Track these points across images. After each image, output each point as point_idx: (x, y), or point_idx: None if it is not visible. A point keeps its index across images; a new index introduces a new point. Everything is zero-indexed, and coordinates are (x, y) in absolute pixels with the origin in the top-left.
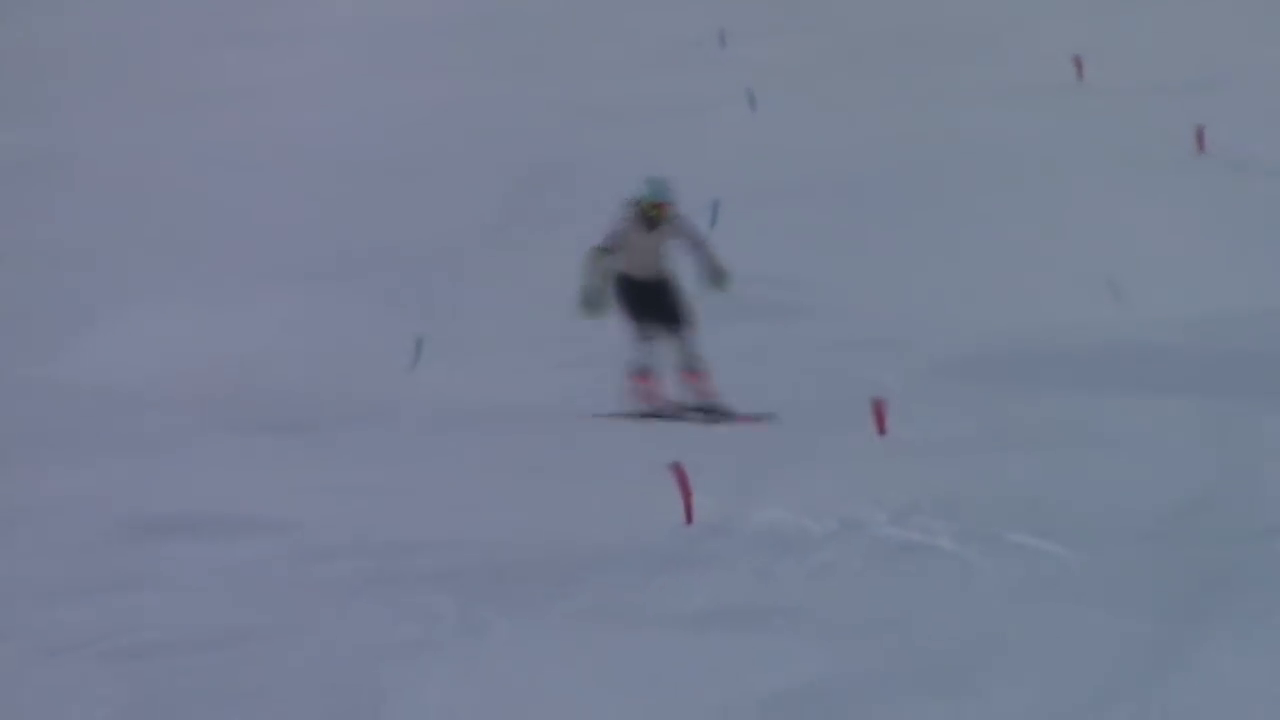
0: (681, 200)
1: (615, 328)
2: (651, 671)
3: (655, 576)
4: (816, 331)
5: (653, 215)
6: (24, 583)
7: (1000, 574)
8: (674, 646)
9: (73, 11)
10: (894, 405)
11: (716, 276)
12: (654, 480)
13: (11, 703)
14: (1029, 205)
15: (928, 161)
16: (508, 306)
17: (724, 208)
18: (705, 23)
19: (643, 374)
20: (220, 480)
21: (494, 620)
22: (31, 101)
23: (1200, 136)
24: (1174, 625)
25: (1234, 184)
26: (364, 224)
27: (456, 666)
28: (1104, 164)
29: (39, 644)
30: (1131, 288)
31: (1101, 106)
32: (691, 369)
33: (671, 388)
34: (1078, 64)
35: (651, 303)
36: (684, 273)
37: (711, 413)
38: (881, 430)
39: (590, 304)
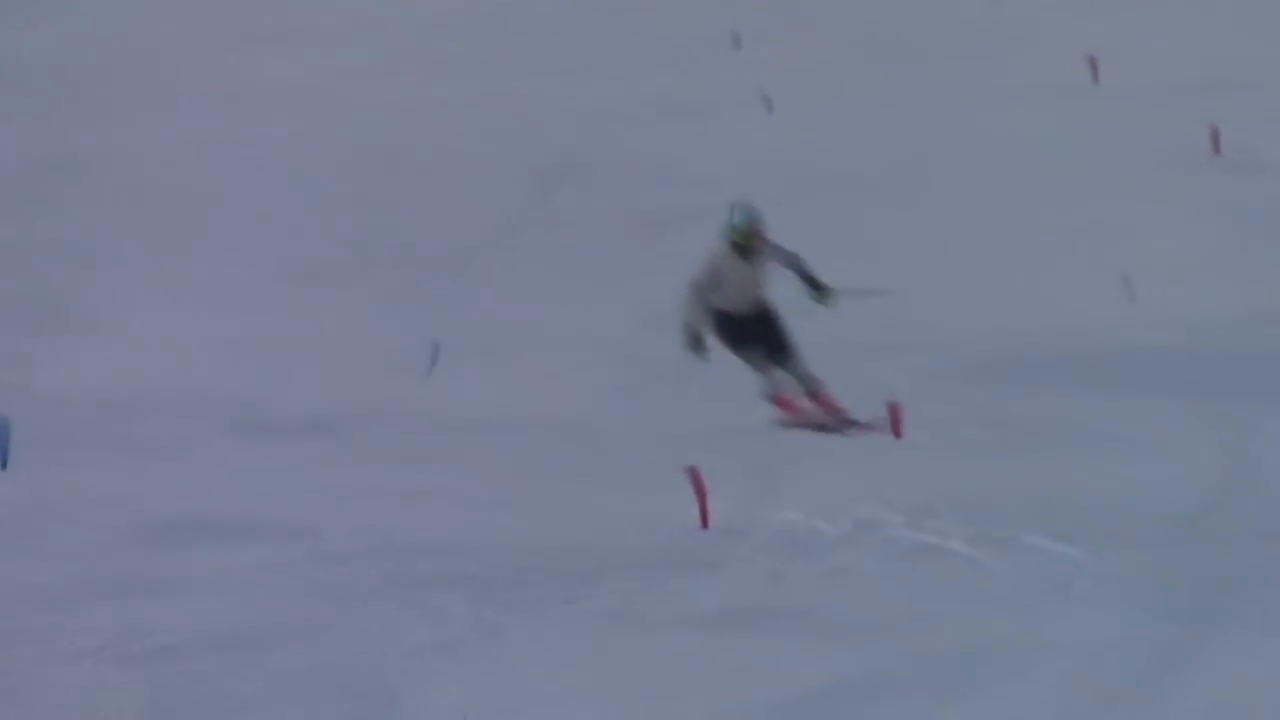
0: (695, 201)
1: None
2: (666, 673)
3: (670, 579)
4: (831, 332)
5: (746, 244)
6: (40, 587)
7: (1013, 576)
8: (689, 648)
9: (87, 14)
10: (908, 407)
11: (819, 293)
12: (669, 483)
13: (28, 706)
14: (1044, 206)
15: (942, 163)
16: (522, 308)
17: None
18: (719, 24)
19: (779, 395)
20: (235, 484)
21: (509, 622)
22: (46, 104)
23: (1215, 138)
24: (1186, 627)
25: (1249, 186)
26: (377, 225)
27: (472, 668)
28: (1118, 165)
29: (56, 648)
30: (1146, 290)
31: (1116, 107)
32: (812, 391)
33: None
34: (1093, 64)
35: (755, 335)
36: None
37: (846, 424)
38: (897, 433)
39: (693, 344)
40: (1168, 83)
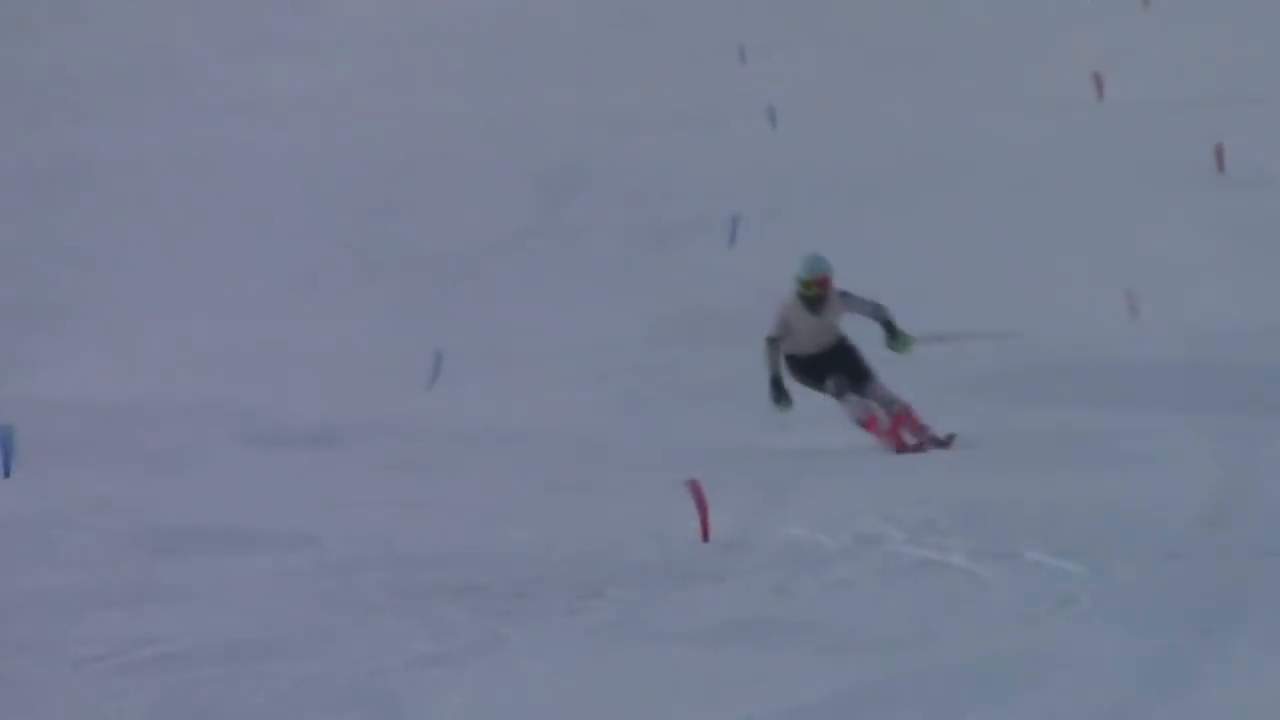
0: (702, 214)
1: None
2: (668, 686)
3: (672, 592)
4: None
5: (812, 295)
6: (46, 595)
7: (1015, 591)
8: (690, 661)
9: (96, 22)
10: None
11: (895, 340)
12: (672, 496)
13: (31, 714)
14: (1048, 222)
15: (947, 176)
16: (528, 318)
17: (744, 221)
18: (725, 37)
19: (868, 420)
20: (239, 493)
21: (512, 634)
22: (55, 111)
23: (1220, 154)
24: (1187, 643)
25: (1252, 200)
26: (382, 234)
27: (474, 680)
28: (1122, 180)
29: (60, 656)
30: (1150, 304)
31: (1121, 122)
32: (899, 413)
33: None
34: (1097, 80)
35: (831, 366)
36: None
37: (933, 443)
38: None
39: (776, 396)
40: (1172, 98)
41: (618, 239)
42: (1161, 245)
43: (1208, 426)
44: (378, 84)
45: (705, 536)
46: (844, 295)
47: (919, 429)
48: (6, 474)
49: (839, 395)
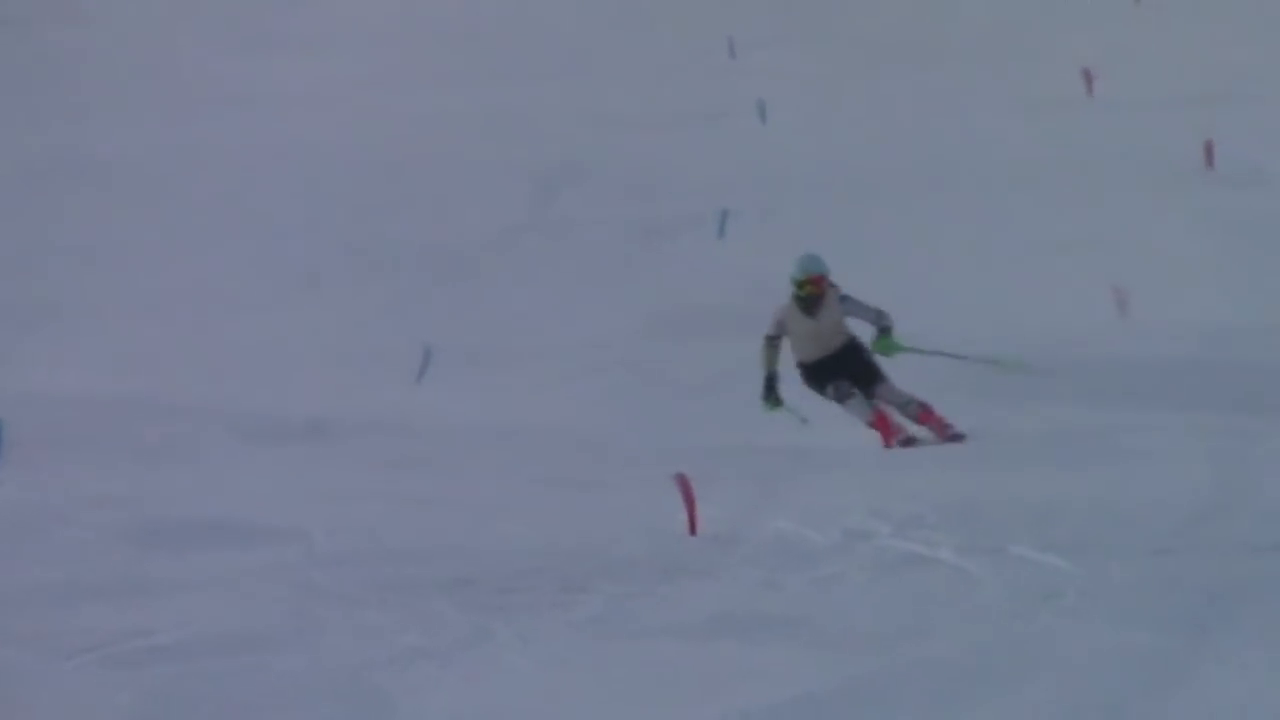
0: (693, 208)
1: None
2: (655, 681)
3: (660, 586)
4: None
5: (806, 295)
6: (34, 587)
7: (1003, 586)
8: (678, 656)
9: (95, 19)
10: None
11: (882, 341)
12: (661, 491)
13: (21, 706)
14: (1037, 217)
15: (936, 173)
16: (520, 313)
17: (734, 216)
18: (715, 32)
19: (876, 419)
20: (232, 487)
21: (500, 628)
22: (55, 108)
23: (1209, 151)
24: (1177, 640)
25: (1241, 198)
26: (377, 230)
27: (462, 674)
28: (1112, 177)
29: (47, 648)
30: (1139, 301)
31: (1110, 120)
32: (918, 412)
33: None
34: (1087, 77)
35: (841, 371)
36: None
37: (955, 440)
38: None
39: (765, 394)
40: (1161, 95)
41: (610, 235)
42: (1152, 242)
43: (1199, 423)
44: (373, 81)
45: (692, 530)
46: (844, 299)
47: (941, 427)
48: None
49: (840, 400)
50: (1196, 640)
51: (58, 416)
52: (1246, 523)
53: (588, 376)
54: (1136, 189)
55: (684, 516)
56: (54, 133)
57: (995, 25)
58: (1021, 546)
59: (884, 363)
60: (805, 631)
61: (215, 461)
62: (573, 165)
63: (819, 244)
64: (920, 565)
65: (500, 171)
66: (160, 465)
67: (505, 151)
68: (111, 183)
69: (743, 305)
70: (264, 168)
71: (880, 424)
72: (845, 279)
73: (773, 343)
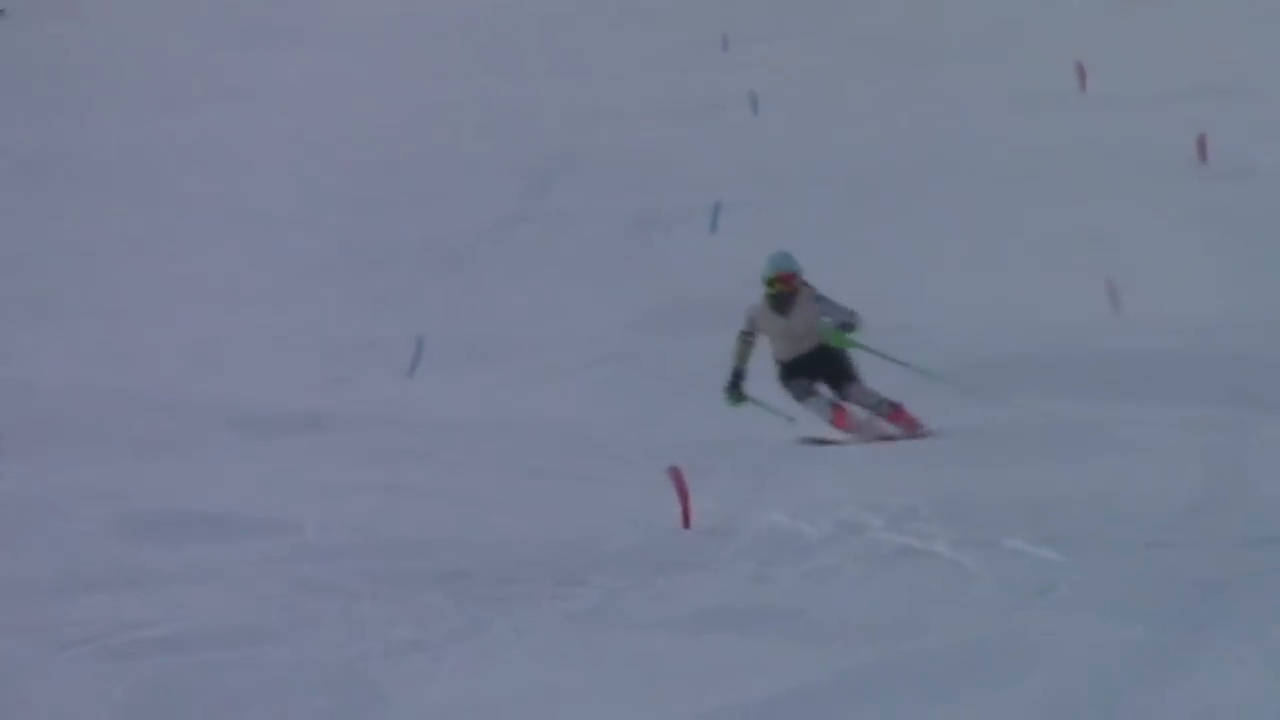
0: (686, 202)
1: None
2: (649, 673)
3: (654, 579)
4: None
5: (776, 293)
6: (28, 579)
7: (996, 579)
8: (672, 648)
9: (91, 14)
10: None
11: (839, 333)
12: (654, 484)
13: (16, 698)
14: (1031, 212)
15: (929, 168)
16: (513, 306)
17: (726, 210)
18: (708, 26)
19: (837, 417)
20: (225, 480)
21: (494, 621)
22: (49, 101)
23: (1202, 145)
24: (1170, 633)
25: (1235, 192)
26: (370, 223)
27: (456, 667)
28: (1105, 171)
29: (42, 640)
30: (1132, 295)
31: (1103, 114)
32: (889, 411)
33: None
34: (1080, 71)
35: (814, 371)
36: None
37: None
38: (841, 426)
39: (729, 390)
40: (1154, 89)
41: (605, 228)
42: (1146, 237)
43: (1194, 418)
44: (369, 75)
45: (686, 523)
46: (820, 298)
47: (912, 427)
48: None
49: (799, 399)
50: (1191, 633)
51: (54, 409)
52: (1241, 516)
53: (582, 370)
54: (1130, 184)
55: (678, 510)
56: (50, 127)
57: (989, 21)
58: (1016, 540)
59: (855, 361)
60: (799, 624)
61: (210, 455)
62: (567, 158)
63: (810, 236)
64: (914, 558)
65: (495, 164)
66: (156, 458)
67: (500, 144)
68: (108, 177)
69: (736, 299)
70: (260, 161)
71: (840, 421)
72: (838, 272)
73: (745, 338)
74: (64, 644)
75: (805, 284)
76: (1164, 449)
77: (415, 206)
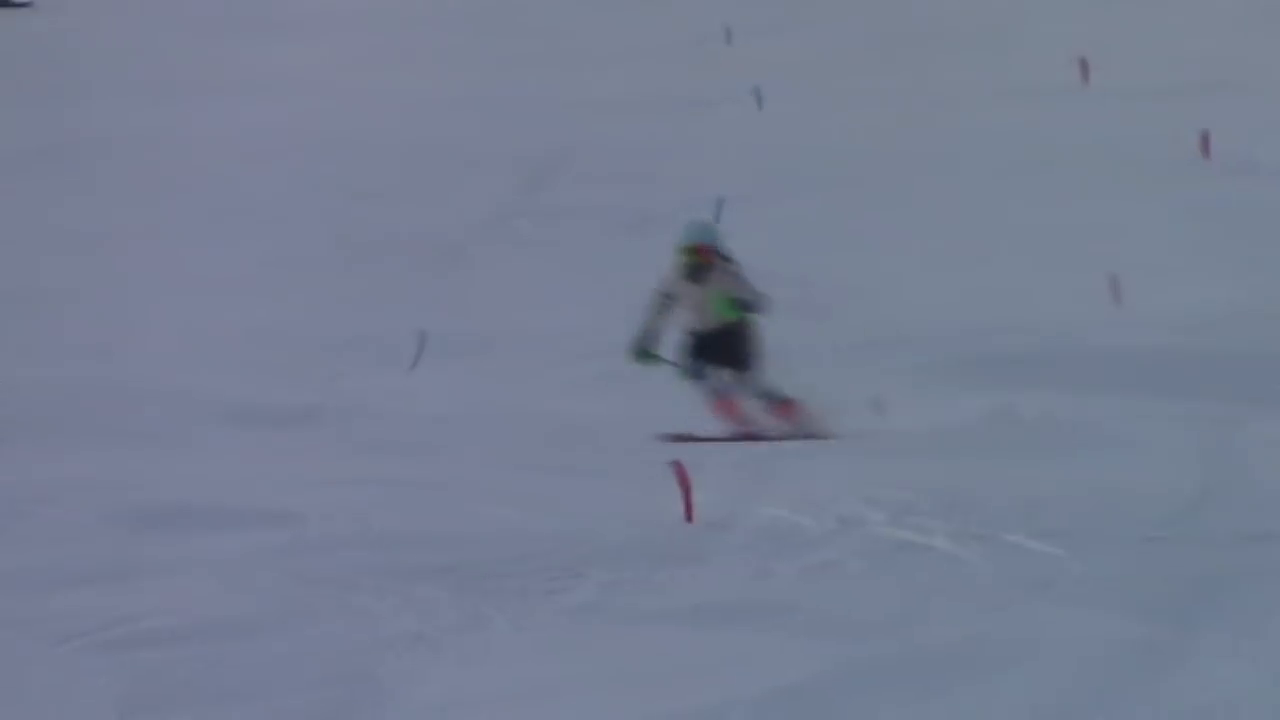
0: (687, 196)
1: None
2: (648, 667)
3: (654, 573)
4: (817, 330)
5: (691, 262)
6: (24, 572)
7: (996, 574)
8: (671, 642)
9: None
10: (893, 403)
11: (735, 307)
12: (655, 477)
13: (11, 691)
14: (1033, 207)
15: (931, 161)
16: (510, 300)
17: (729, 204)
18: (711, 19)
19: (723, 397)
20: (220, 471)
21: (493, 614)
22: (45, 92)
23: (1205, 140)
24: (1169, 628)
25: (1239, 188)
26: (365, 216)
27: (454, 659)
28: (1108, 167)
29: (38, 633)
30: (1134, 290)
31: (1106, 109)
32: (776, 402)
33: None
34: (1083, 66)
35: (714, 350)
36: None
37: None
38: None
39: (637, 348)
40: (1157, 85)
41: (601, 221)
42: (1147, 232)
43: (1190, 413)
44: (364, 66)
45: (689, 517)
46: (735, 276)
47: (799, 423)
48: None
49: (693, 377)
50: (1187, 628)
51: (47, 401)
52: (1237, 511)
53: (580, 362)
54: (1132, 179)
55: (677, 503)
56: (43, 118)
57: (992, 14)
58: (1014, 534)
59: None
60: (798, 619)
61: (206, 446)
62: (565, 151)
63: (816, 232)
64: (913, 553)
65: (489, 157)
66: (151, 450)
67: (497, 137)
68: (101, 168)
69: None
70: (255, 154)
71: (721, 408)
72: (839, 267)
73: (661, 299)
74: (60, 637)
75: (725, 259)
76: (1163, 444)
77: (411, 199)
